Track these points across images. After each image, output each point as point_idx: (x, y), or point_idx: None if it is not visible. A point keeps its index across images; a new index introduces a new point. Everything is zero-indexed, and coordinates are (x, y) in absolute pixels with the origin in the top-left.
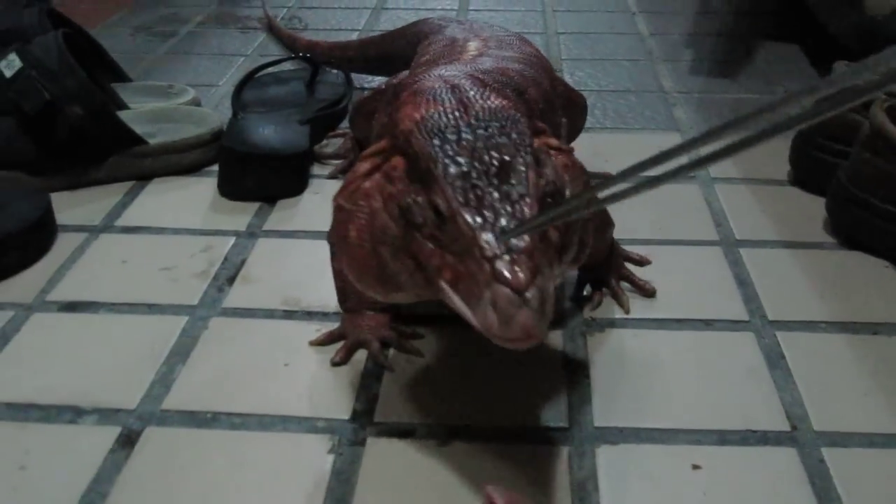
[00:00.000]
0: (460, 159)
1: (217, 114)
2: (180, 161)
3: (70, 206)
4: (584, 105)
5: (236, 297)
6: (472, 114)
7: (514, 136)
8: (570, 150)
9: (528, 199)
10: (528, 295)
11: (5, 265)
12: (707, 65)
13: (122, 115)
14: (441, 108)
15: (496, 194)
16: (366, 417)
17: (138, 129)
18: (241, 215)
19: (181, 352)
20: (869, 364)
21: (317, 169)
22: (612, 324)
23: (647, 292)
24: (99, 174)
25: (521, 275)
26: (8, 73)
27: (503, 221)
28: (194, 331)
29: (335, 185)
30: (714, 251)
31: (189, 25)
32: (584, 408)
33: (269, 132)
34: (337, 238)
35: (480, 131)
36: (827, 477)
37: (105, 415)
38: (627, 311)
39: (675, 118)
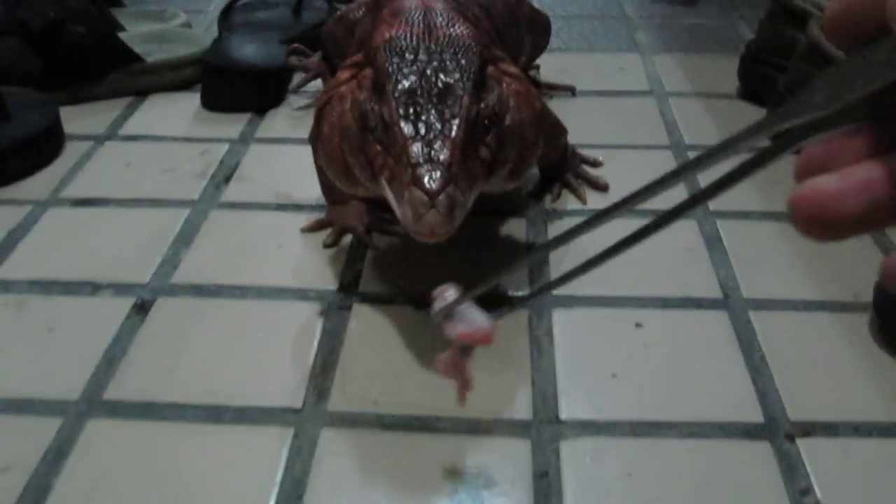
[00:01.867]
0: (410, 78)
1: (208, 35)
2: (174, 78)
3: (75, 119)
4: (547, 24)
5: (232, 193)
6: (434, 38)
7: (462, 62)
8: (523, 78)
9: (456, 121)
10: (438, 199)
11: (20, 168)
12: None
13: (120, 35)
14: (409, 30)
15: (433, 112)
16: (351, 288)
17: (135, 49)
18: (233, 125)
19: (185, 238)
20: (795, 246)
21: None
22: (570, 213)
23: (601, 187)
24: (99, 90)
25: (434, 182)
26: None
27: (433, 135)
28: (196, 221)
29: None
30: (665, 154)
31: None
32: (542, 277)
33: (249, 50)
34: (316, 133)
35: (435, 56)
36: (752, 334)
37: (120, 288)
38: (584, 202)
39: (636, 41)
